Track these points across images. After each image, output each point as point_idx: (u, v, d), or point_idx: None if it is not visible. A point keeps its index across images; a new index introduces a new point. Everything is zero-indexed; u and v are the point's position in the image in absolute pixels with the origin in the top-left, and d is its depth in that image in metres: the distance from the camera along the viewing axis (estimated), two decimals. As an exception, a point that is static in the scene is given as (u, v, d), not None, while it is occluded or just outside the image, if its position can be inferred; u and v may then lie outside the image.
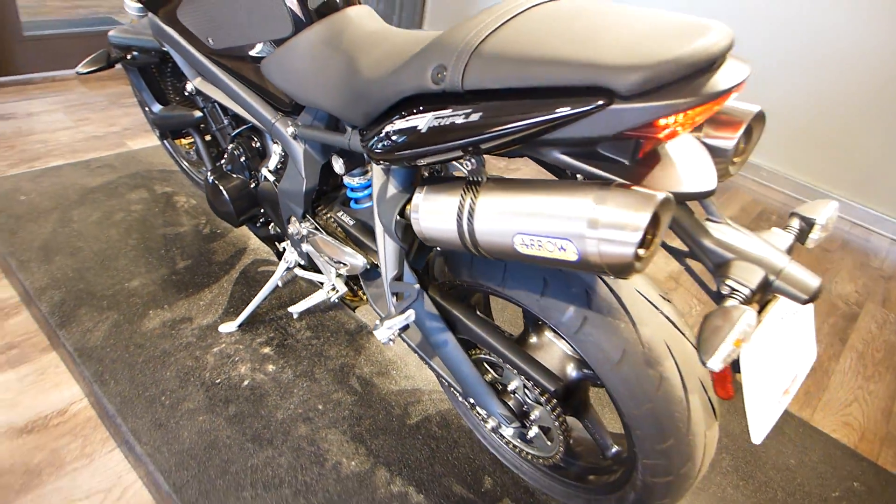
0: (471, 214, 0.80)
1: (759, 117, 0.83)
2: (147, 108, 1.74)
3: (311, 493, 1.26)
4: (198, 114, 1.55)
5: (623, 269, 0.68)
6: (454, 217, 0.83)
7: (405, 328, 1.03)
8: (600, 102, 0.66)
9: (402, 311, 1.03)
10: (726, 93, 0.66)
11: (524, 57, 0.70)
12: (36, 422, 1.36)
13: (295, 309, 1.42)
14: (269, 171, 1.36)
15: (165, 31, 1.34)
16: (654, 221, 0.68)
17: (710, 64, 0.67)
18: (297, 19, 1.10)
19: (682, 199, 0.72)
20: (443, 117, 0.77)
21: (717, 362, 0.64)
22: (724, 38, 0.68)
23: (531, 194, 0.75)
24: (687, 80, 0.66)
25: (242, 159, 1.40)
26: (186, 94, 1.66)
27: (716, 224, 0.79)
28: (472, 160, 0.81)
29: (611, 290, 0.86)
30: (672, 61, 0.64)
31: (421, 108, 0.81)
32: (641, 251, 0.68)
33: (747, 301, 0.71)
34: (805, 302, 0.70)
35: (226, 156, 1.44)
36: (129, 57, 1.60)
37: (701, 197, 0.73)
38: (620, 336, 0.85)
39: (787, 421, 1.62)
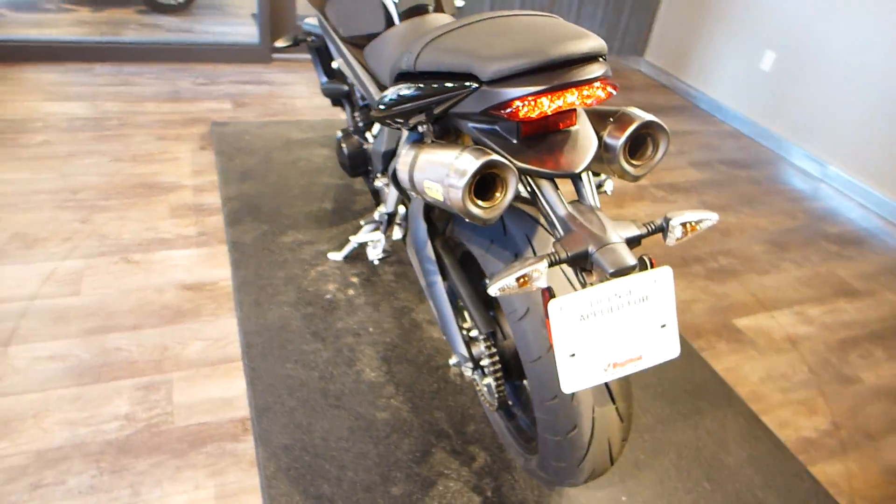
0: (412, 166, 1.08)
1: (661, 129, 0.95)
2: (320, 80, 2.27)
3: (331, 382, 1.62)
4: (345, 87, 2.01)
5: (465, 212, 0.89)
6: (408, 167, 1.11)
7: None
8: (473, 85, 0.89)
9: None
10: (566, 87, 0.84)
11: (444, 50, 0.96)
12: (196, 284, 1.94)
13: (373, 256, 1.79)
14: (372, 136, 1.75)
15: (321, 21, 1.82)
16: (492, 179, 0.88)
17: (563, 63, 0.85)
18: (388, 19, 1.46)
19: (544, 175, 0.91)
20: (401, 89, 1.06)
21: (493, 290, 0.83)
22: (585, 46, 0.85)
23: (439, 151, 1.00)
24: (542, 73, 0.86)
25: (360, 125, 1.82)
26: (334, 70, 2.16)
27: (579, 204, 0.94)
28: (425, 126, 1.09)
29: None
30: (524, 55, 0.85)
31: (399, 83, 1.11)
32: (483, 203, 0.89)
33: (560, 263, 0.86)
34: (610, 275, 0.83)
35: (351, 121, 1.88)
36: (308, 39, 2.14)
37: (561, 177, 0.91)
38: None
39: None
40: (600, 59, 0.91)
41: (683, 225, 0.89)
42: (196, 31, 4.12)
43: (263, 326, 1.77)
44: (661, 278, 0.87)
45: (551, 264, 0.84)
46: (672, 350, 0.91)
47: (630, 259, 0.84)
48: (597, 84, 0.88)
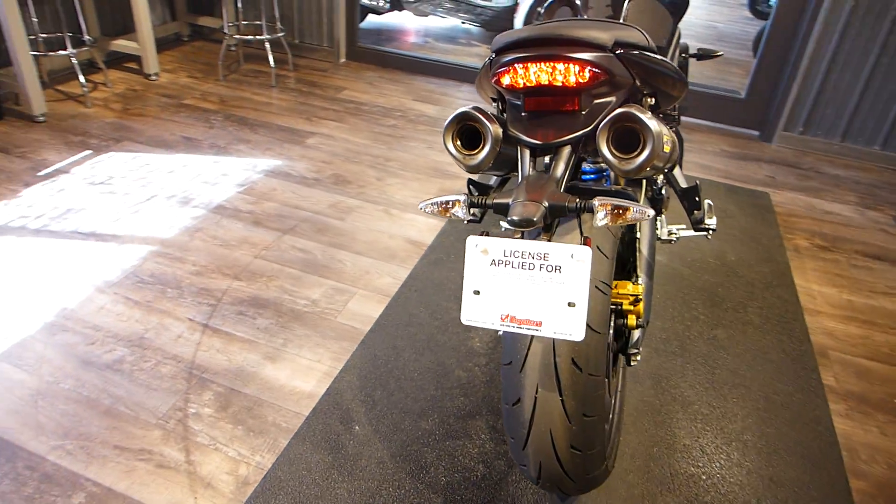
0: None
1: (645, 126, 0.93)
2: None
3: (442, 333, 1.85)
4: None
5: (453, 157, 1.04)
6: None
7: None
8: (492, 55, 1.06)
9: None
10: (541, 58, 0.94)
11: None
12: (417, 242, 2.39)
13: None
14: None
15: None
16: (469, 130, 1.01)
17: (553, 41, 0.95)
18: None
19: (523, 143, 1.02)
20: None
21: (420, 205, 0.97)
22: (580, 32, 0.94)
23: None
24: (532, 48, 0.97)
25: None
26: None
27: (542, 173, 0.98)
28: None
29: None
30: (523, 32, 0.98)
31: None
32: (470, 152, 1.02)
33: (482, 207, 0.95)
34: (509, 223, 0.88)
35: None
36: None
37: (534, 147, 1.01)
38: None
39: None
40: (599, 49, 0.96)
41: (607, 207, 0.89)
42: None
43: (428, 280, 2.09)
44: (579, 255, 0.88)
45: (472, 205, 0.94)
46: (577, 332, 0.89)
47: (534, 217, 0.89)
48: (577, 66, 0.95)
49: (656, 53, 1.14)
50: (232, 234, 2.29)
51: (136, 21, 3.40)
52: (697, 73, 4.75)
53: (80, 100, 3.29)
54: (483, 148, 1.00)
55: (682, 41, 2.11)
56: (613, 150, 0.95)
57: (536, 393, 1.02)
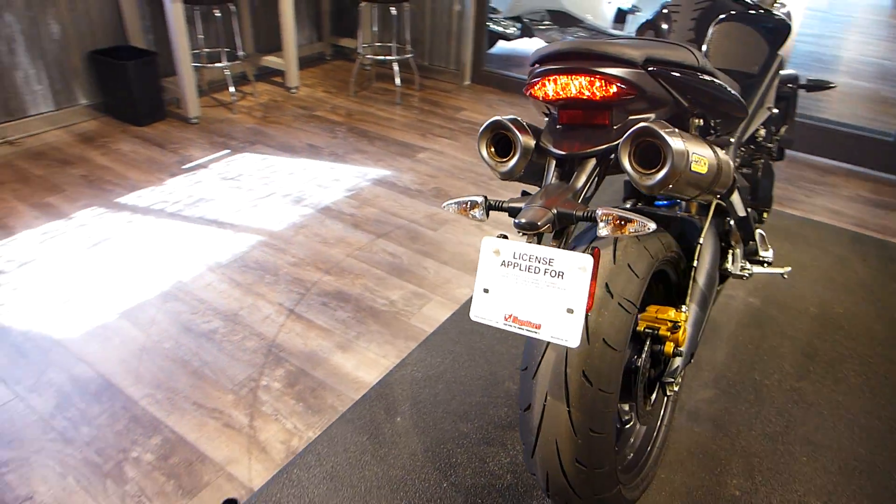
0: None
1: (665, 142, 0.92)
2: None
3: (502, 344, 1.87)
4: None
5: (486, 163, 1.09)
6: None
7: None
8: (530, 67, 1.10)
9: None
10: (564, 72, 0.97)
11: None
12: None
13: None
14: None
15: None
16: (504, 139, 1.06)
17: (580, 56, 0.98)
18: None
19: (549, 154, 1.05)
20: None
21: (444, 205, 1.02)
22: (608, 48, 0.96)
23: None
24: (561, 62, 1.01)
25: None
26: None
27: (563, 182, 1.01)
28: None
29: None
30: (555, 46, 1.02)
31: None
32: (501, 159, 1.07)
33: (499, 209, 0.99)
34: (515, 226, 0.91)
35: None
36: None
37: (555, 156, 1.03)
38: None
39: None
40: (628, 65, 0.97)
41: (609, 217, 0.89)
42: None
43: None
44: (582, 263, 0.89)
45: (490, 207, 0.98)
46: (572, 338, 0.90)
47: (539, 221, 0.91)
48: (602, 80, 0.96)
49: (709, 75, 1.12)
50: (332, 233, 2.49)
51: (283, 40, 3.80)
52: (845, 110, 4.37)
53: (229, 107, 3.74)
54: (513, 156, 1.05)
55: (792, 72, 1.99)
56: (635, 165, 0.96)
57: (545, 401, 1.04)
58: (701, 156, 1.00)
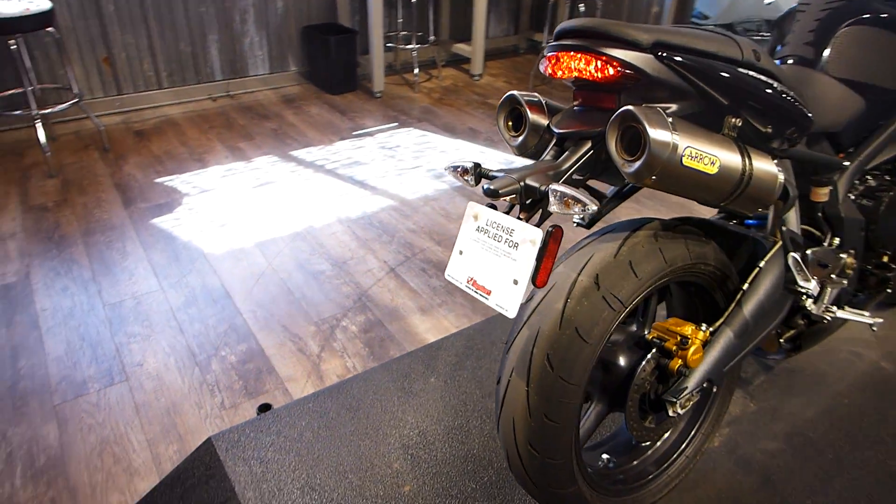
0: None
1: (643, 126, 0.87)
2: None
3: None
4: None
5: (502, 136, 1.10)
6: None
7: None
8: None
9: None
10: (566, 49, 0.95)
11: None
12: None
13: None
14: None
15: None
16: (516, 113, 1.07)
17: (569, 33, 0.96)
18: None
19: (550, 132, 1.04)
20: None
21: (444, 167, 1.05)
22: (616, 29, 0.93)
23: None
24: (565, 39, 0.99)
25: None
26: None
27: (550, 158, 0.99)
28: None
29: None
30: (562, 25, 1.00)
31: None
32: (514, 133, 1.09)
33: (487, 177, 0.99)
34: (483, 191, 0.91)
35: None
36: None
37: (554, 134, 1.03)
38: None
39: None
40: (634, 47, 0.91)
41: (557, 195, 0.88)
42: None
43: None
44: (533, 237, 0.88)
45: (478, 174, 1.00)
46: (511, 309, 0.90)
47: (501, 189, 0.92)
48: (601, 60, 0.91)
49: (762, 73, 1.01)
50: (456, 210, 2.62)
51: (474, 29, 4.00)
52: None
53: (412, 86, 4.05)
54: (523, 131, 1.07)
55: None
56: (620, 151, 0.92)
57: (510, 377, 1.05)
58: (705, 153, 0.92)
